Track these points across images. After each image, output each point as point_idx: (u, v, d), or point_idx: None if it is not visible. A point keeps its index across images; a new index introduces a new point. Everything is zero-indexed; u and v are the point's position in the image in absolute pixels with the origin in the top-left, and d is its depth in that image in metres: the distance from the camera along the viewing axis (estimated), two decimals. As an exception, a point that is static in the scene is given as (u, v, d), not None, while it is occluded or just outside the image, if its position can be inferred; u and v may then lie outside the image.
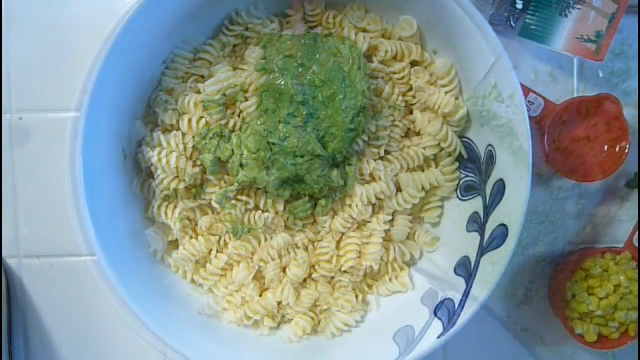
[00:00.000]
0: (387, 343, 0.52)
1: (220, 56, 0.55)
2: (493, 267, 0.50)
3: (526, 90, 0.59)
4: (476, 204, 0.55)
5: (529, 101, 0.59)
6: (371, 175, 0.55)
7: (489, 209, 0.53)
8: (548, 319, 0.64)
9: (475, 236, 0.54)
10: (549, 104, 0.60)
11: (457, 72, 0.55)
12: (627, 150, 0.60)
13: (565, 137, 0.62)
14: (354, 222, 0.55)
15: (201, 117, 0.54)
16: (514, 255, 0.49)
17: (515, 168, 0.50)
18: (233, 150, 0.53)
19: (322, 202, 0.54)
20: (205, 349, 0.51)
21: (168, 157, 0.53)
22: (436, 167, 0.57)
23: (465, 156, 0.57)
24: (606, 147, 0.62)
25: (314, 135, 0.52)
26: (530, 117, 0.60)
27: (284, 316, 0.57)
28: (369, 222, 0.56)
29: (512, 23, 0.61)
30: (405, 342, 0.51)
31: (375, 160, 0.55)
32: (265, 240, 0.55)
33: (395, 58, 0.55)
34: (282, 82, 0.52)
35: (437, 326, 0.51)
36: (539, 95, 0.60)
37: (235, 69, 0.55)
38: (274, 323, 0.56)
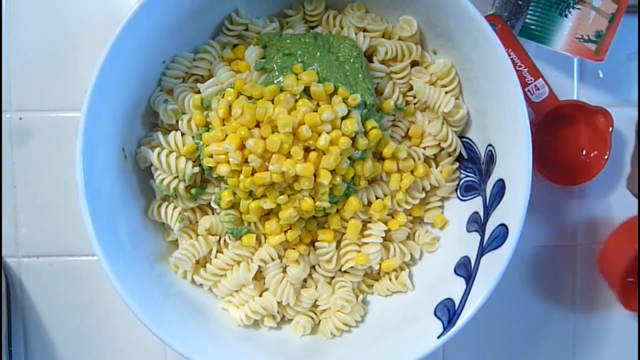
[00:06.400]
0: (427, 319, 0.52)
1: (220, 56, 0.55)
2: (493, 267, 0.50)
3: (537, 74, 0.60)
4: (476, 204, 0.55)
5: (535, 85, 0.60)
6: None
7: (489, 209, 0.53)
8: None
9: (475, 236, 0.54)
10: (550, 97, 0.60)
11: (457, 72, 0.55)
12: (606, 157, 0.60)
13: (546, 137, 0.62)
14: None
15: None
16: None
17: (515, 168, 0.50)
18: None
19: (322, 202, 0.54)
20: (205, 349, 0.51)
21: (168, 157, 0.53)
22: (436, 167, 0.57)
23: (465, 156, 0.57)
24: (584, 151, 0.62)
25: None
26: (531, 102, 0.60)
27: (283, 316, 0.57)
28: (369, 222, 0.56)
29: (512, 23, 0.61)
30: (447, 315, 0.51)
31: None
32: (265, 240, 0.55)
33: (395, 58, 0.55)
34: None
35: (440, 324, 0.51)
36: (547, 83, 0.60)
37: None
38: (274, 323, 0.56)
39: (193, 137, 0.53)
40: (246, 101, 0.51)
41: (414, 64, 0.56)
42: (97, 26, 0.60)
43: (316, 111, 0.50)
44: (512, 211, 0.50)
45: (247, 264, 0.55)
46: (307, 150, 0.51)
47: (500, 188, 0.52)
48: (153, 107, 0.54)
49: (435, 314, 0.52)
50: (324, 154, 0.50)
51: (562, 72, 0.63)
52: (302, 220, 0.54)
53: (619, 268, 0.59)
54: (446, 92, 0.55)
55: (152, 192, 0.56)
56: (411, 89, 0.56)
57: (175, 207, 0.54)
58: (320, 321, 0.57)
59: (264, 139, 0.50)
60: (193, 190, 0.54)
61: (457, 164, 0.57)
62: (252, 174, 0.50)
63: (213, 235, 0.56)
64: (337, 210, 0.54)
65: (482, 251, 0.52)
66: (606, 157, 0.60)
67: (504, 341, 0.64)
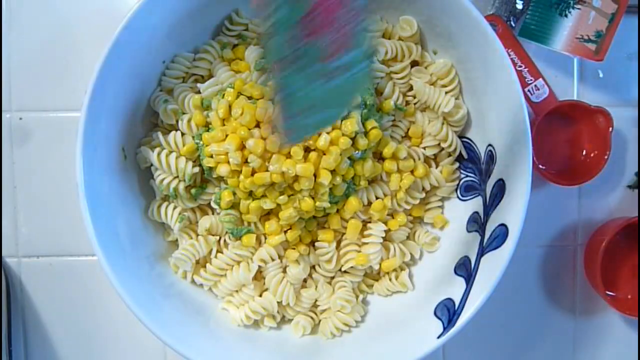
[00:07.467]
0: (427, 319, 0.52)
1: (220, 56, 0.55)
2: (493, 267, 0.50)
3: (537, 74, 0.60)
4: (476, 204, 0.55)
5: (535, 85, 0.60)
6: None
7: (489, 209, 0.53)
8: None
9: (475, 236, 0.54)
10: (550, 97, 0.60)
11: (457, 72, 0.55)
12: (606, 157, 0.60)
13: (546, 137, 0.62)
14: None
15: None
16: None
17: (515, 168, 0.50)
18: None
19: (322, 202, 0.54)
20: (205, 349, 0.51)
21: (168, 157, 0.53)
22: (436, 167, 0.57)
23: (465, 156, 0.57)
24: (584, 151, 0.62)
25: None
26: (531, 102, 0.60)
27: (283, 316, 0.57)
28: (369, 222, 0.56)
29: (512, 23, 0.61)
30: (447, 315, 0.51)
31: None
32: (265, 240, 0.55)
33: (395, 58, 0.55)
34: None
35: (440, 324, 0.51)
36: (547, 84, 0.60)
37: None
38: (274, 323, 0.56)
39: (193, 137, 0.53)
40: (246, 101, 0.51)
41: (414, 64, 0.56)
42: (97, 26, 0.60)
43: (316, 111, 0.50)
44: (512, 211, 0.50)
45: (247, 264, 0.55)
46: (307, 150, 0.51)
47: (500, 188, 0.52)
48: (153, 107, 0.54)
49: (435, 314, 0.52)
50: (324, 154, 0.50)
51: (562, 72, 0.63)
52: (302, 220, 0.54)
53: (596, 269, 0.60)
54: (446, 92, 0.55)
55: (152, 192, 0.56)
56: (411, 89, 0.56)
57: (175, 207, 0.54)
58: (320, 321, 0.57)
59: (264, 139, 0.50)
60: (193, 190, 0.54)
61: (457, 164, 0.57)
62: (252, 174, 0.50)
63: (213, 235, 0.56)
64: (337, 210, 0.54)
65: (482, 251, 0.52)
66: (606, 157, 0.60)
67: (504, 341, 0.64)
